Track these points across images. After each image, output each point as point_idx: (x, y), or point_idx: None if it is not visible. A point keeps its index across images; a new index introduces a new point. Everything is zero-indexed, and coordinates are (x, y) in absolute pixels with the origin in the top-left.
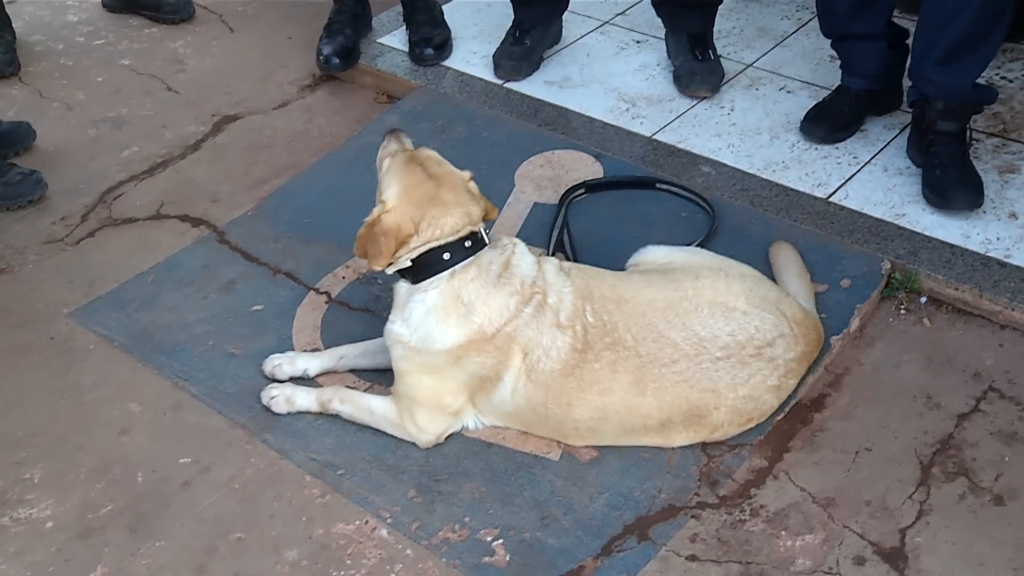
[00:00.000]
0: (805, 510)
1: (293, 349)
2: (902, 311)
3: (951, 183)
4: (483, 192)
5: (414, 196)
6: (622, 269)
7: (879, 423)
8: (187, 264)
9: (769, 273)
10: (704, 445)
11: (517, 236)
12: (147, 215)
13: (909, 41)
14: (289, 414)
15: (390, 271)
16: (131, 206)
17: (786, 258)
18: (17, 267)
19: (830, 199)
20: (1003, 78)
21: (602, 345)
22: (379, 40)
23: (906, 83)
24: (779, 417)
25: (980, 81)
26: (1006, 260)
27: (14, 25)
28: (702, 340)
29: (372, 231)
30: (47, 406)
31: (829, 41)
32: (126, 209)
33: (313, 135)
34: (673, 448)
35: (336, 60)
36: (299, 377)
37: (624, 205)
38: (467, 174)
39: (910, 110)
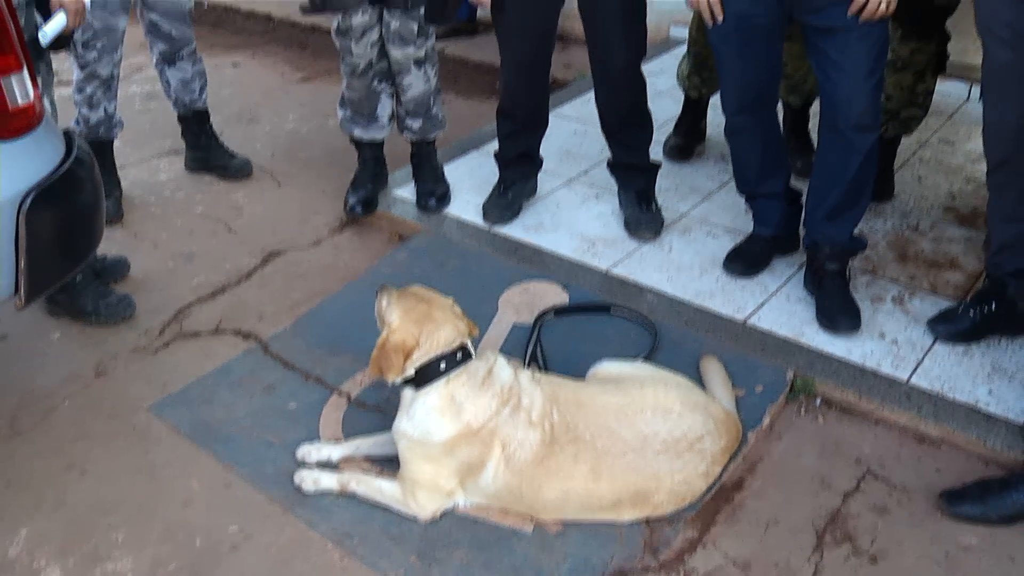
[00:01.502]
0: (727, 572)
1: (320, 440)
2: (802, 411)
3: (837, 311)
4: (472, 314)
5: (412, 316)
6: (583, 378)
7: (785, 500)
8: (238, 370)
9: (699, 381)
10: (648, 520)
11: (500, 350)
12: (209, 330)
13: (803, 200)
14: (316, 493)
15: (399, 381)
16: (197, 323)
17: (712, 368)
18: (111, 370)
19: (747, 321)
20: (871, 229)
21: (566, 440)
22: (393, 192)
23: (802, 231)
24: (707, 497)
25: (856, 232)
26: (878, 371)
27: (122, 183)
28: (646, 436)
29: (383, 350)
30: (129, 481)
31: (743, 197)
32: (193, 325)
33: (340, 267)
34: (623, 522)
35: (359, 208)
36: (324, 462)
37: (585, 326)
38: (450, 299)
39: (806, 252)
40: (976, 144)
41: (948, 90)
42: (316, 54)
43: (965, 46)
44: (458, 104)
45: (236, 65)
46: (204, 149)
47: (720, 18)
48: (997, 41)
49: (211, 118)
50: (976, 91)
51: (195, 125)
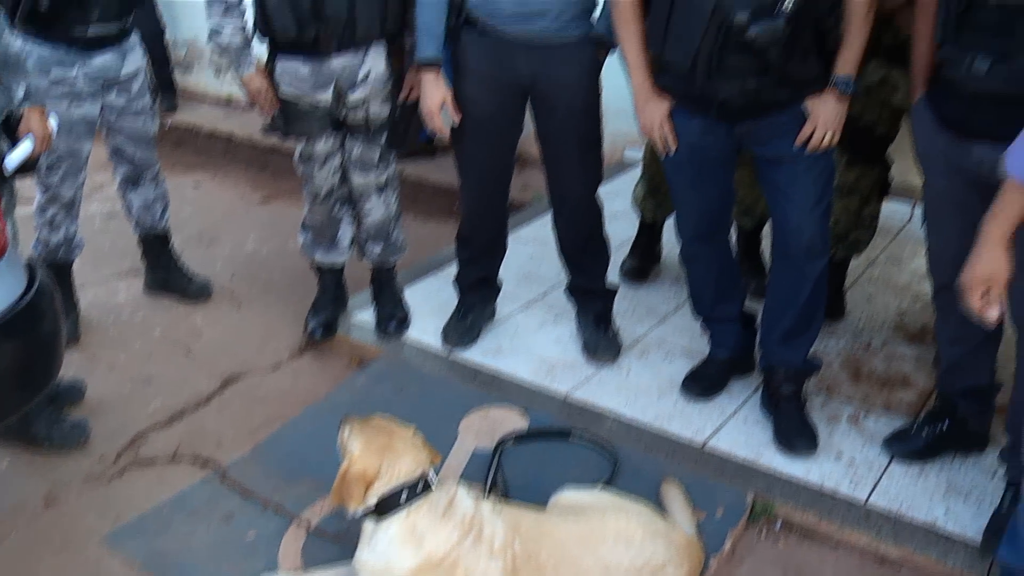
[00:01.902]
0: None
1: (279, 571)
2: (763, 534)
3: (794, 432)
4: (432, 440)
5: (373, 447)
6: (545, 505)
7: None
8: (195, 498)
9: (661, 505)
10: None
11: (460, 477)
12: (166, 457)
13: (758, 322)
14: None
15: (360, 511)
16: (154, 449)
17: (673, 493)
18: (62, 500)
19: (706, 444)
20: (824, 348)
21: (528, 570)
22: (353, 315)
23: (757, 352)
24: None
25: (810, 353)
26: (837, 492)
27: (80, 304)
28: (608, 566)
29: (344, 480)
30: None
31: (700, 320)
32: (150, 451)
33: (300, 391)
34: None
35: (320, 332)
36: None
37: (546, 452)
38: (412, 428)
39: (762, 374)
40: (921, 262)
41: (893, 209)
42: (276, 174)
43: (907, 167)
44: (417, 226)
45: (197, 185)
46: (164, 270)
47: (673, 149)
48: (933, 170)
49: (171, 239)
50: (919, 210)
51: (156, 247)
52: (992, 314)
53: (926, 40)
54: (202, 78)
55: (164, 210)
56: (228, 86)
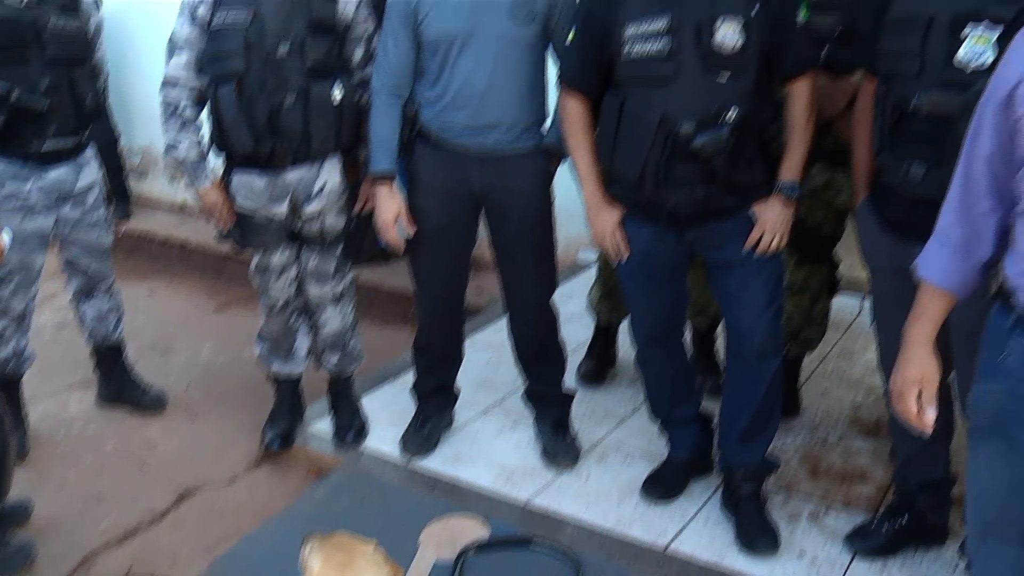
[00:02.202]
0: None
1: None
2: None
3: (755, 532)
4: (393, 553)
5: (332, 564)
6: None
7: None
8: None
9: None
10: None
11: None
12: None
13: (715, 422)
14: None
15: None
16: (105, 570)
17: None
18: None
19: (668, 548)
20: (782, 446)
21: None
22: (311, 426)
23: (716, 452)
24: None
25: (768, 451)
26: None
27: (29, 418)
28: None
29: None
30: None
31: (657, 422)
32: (101, 572)
33: (257, 504)
34: None
35: (277, 443)
36: None
37: (508, 561)
38: (372, 543)
39: (721, 474)
40: (873, 355)
41: (843, 303)
42: (232, 281)
43: (854, 262)
44: (373, 332)
45: (151, 293)
46: (117, 382)
47: (625, 256)
48: (879, 270)
49: (125, 350)
50: (868, 303)
51: (109, 359)
52: (928, 417)
53: (865, 147)
54: (156, 185)
55: (118, 321)
56: (183, 192)
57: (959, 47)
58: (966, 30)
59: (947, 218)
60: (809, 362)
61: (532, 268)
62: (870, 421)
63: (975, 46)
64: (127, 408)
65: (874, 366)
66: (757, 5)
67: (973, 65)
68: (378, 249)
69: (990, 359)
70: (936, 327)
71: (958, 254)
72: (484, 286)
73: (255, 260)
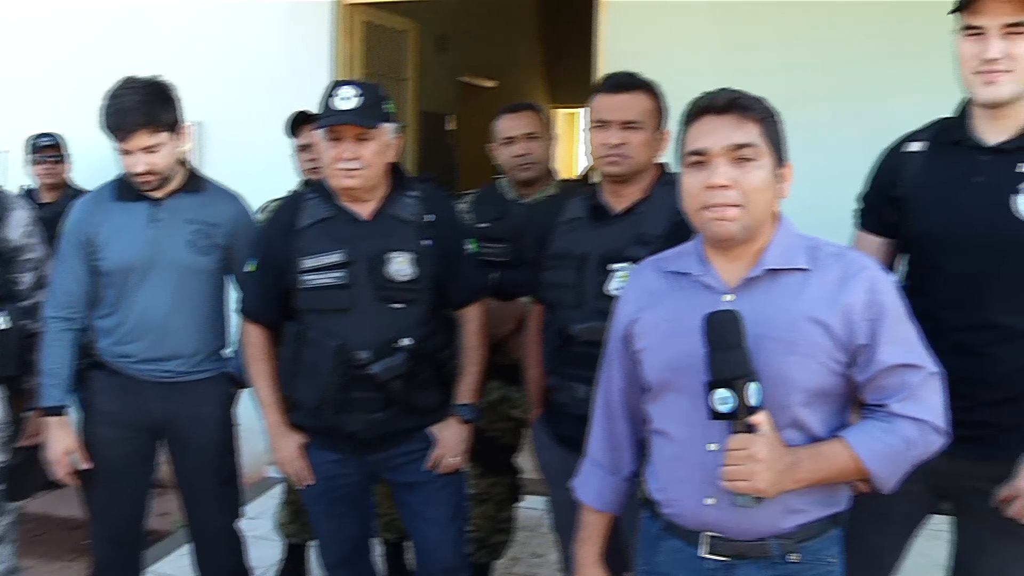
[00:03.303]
0: None
1: None
2: None
3: None
4: None
5: None
6: None
7: None
8: None
9: None
10: None
11: None
12: None
13: None
14: None
15: None
16: None
17: None
18: None
19: None
20: None
21: None
22: None
23: None
24: None
25: None
26: None
27: None
28: None
29: None
30: None
31: None
32: None
33: None
34: None
35: None
36: None
37: None
38: None
39: None
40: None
41: (530, 505)
42: None
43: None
44: (41, 568)
45: None
46: None
47: (310, 482)
48: (556, 482)
49: None
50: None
51: None
52: None
53: (536, 367)
54: None
55: None
56: None
57: (608, 280)
58: (613, 266)
59: (594, 443)
60: (502, 565)
61: (214, 495)
62: None
63: (620, 282)
64: None
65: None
66: (427, 240)
67: None
68: (48, 482)
69: (645, 561)
70: (602, 544)
71: (608, 474)
72: (168, 509)
73: None
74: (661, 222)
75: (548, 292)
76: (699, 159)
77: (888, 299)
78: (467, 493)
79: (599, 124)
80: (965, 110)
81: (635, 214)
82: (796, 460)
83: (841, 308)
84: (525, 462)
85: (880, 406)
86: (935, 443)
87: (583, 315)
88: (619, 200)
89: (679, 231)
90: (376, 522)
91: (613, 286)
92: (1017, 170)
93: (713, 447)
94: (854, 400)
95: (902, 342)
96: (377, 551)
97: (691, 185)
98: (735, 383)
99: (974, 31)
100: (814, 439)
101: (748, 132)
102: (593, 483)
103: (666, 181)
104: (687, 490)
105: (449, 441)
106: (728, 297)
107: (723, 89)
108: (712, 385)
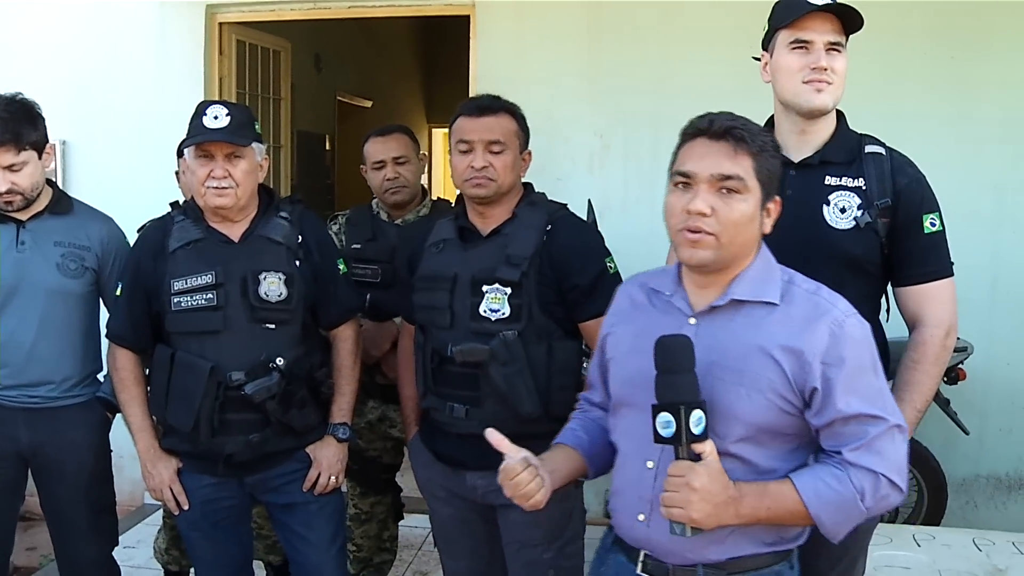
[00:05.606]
0: None
1: None
2: None
3: None
4: None
5: None
6: None
7: None
8: None
9: None
10: None
11: None
12: None
13: None
14: None
15: None
16: None
17: None
18: None
19: None
20: None
21: None
22: None
23: None
24: None
25: None
26: None
27: None
28: None
29: None
30: None
31: None
32: None
33: None
34: None
35: None
36: None
37: None
38: None
39: None
40: None
41: (414, 524)
42: None
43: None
44: None
45: None
46: None
47: (186, 506)
48: (435, 498)
49: None
50: None
51: None
52: None
53: (410, 386)
54: None
55: None
56: None
57: (481, 301)
58: (484, 288)
59: (572, 424)
60: None
61: (87, 524)
62: None
63: (492, 303)
64: None
65: None
66: (297, 261)
67: (495, 317)
68: None
69: (593, 571)
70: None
71: (583, 436)
72: (36, 543)
73: None
74: (528, 243)
75: (420, 313)
76: (685, 180)
77: (850, 347)
78: (349, 513)
79: (463, 147)
80: (772, 128)
81: (502, 235)
82: (739, 496)
83: (797, 347)
84: (405, 481)
85: (836, 453)
86: (891, 498)
87: (457, 336)
88: (485, 222)
89: (545, 252)
90: (257, 545)
91: (485, 307)
92: (825, 183)
93: (650, 464)
94: (817, 445)
95: (863, 392)
96: (260, 575)
97: (673, 205)
98: (678, 408)
99: (801, 44)
100: (760, 476)
101: (738, 164)
102: (567, 435)
103: (531, 201)
104: (623, 503)
105: (326, 461)
106: (692, 321)
107: (724, 113)
108: (656, 408)
